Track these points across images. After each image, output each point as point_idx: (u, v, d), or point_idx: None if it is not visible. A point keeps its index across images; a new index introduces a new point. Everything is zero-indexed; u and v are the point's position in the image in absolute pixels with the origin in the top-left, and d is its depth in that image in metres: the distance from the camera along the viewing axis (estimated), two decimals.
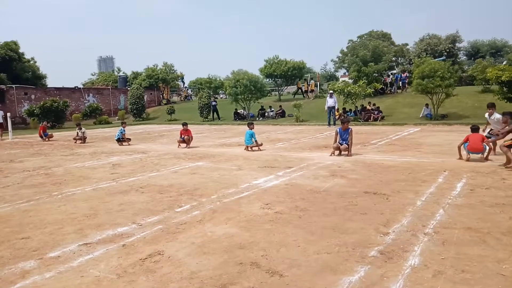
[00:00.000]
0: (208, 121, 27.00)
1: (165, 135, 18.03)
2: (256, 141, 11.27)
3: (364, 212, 4.96)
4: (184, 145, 12.60)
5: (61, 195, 6.50)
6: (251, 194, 6.15)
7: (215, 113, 27.74)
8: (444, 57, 36.43)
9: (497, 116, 9.01)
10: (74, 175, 8.35)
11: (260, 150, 11.21)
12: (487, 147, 8.39)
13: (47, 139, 17.13)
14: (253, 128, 11.47)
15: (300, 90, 32.43)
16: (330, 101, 19.86)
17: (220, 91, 41.24)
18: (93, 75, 55.02)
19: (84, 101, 33.17)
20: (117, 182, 7.37)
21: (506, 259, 3.41)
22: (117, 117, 32.41)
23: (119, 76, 45.11)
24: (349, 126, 10.03)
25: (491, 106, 9.29)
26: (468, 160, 8.26)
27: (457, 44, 46.20)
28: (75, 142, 15.52)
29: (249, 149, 11.21)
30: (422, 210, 4.93)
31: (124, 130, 14.26)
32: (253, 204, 5.53)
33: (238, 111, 26.78)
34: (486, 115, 9.40)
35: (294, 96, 32.15)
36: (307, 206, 5.33)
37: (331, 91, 20.78)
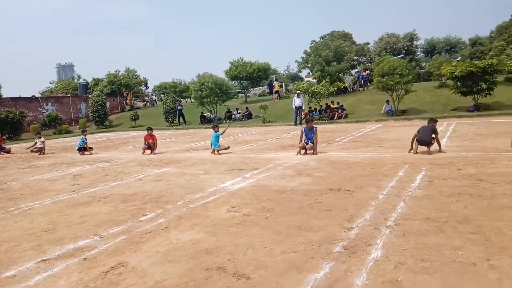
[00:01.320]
0: (174, 126, 26.60)
1: (129, 142, 17.59)
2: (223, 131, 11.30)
3: (329, 209, 5.04)
4: (149, 151, 12.33)
5: (18, 210, 6.18)
6: (218, 198, 6.10)
7: (181, 117, 27.39)
8: (403, 55, 37.80)
9: None
10: (32, 188, 7.97)
11: (228, 151, 11.16)
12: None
13: (2, 153, 16.24)
14: (218, 131, 11.40)
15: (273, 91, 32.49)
16: (297, 101, 20.10)
17: (184, 98, 40.73)
18: (51, 83, 52.83)
19: (43, 111, 31.77)
20: (78, 194, 7.10)
21: (462, 246, 3.57)
22: (78, 126, 31.31)
23: (79, 83, 43.57)
24: (314, 125, 10.19)
25: None
26: (416, 152, 8.59)
27: (414, 42, 48.11)
28: (32, 151, 14.82)
29: (216, 152, 11.13)
30: (384, 204, 5.08)
31: (85, 139, 13.78)
32: (220, 208, 5.49)
33: (204, 114, 26.58)
34: None
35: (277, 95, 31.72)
36: (273, 207, 5.35)
37: (298, 91, 21.04)
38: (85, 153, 13.57)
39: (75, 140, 17.16)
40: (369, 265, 3.33)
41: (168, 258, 3.82)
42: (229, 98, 27.22)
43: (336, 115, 21.14)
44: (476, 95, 18.45)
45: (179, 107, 27.60)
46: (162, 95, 43.22)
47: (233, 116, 26.31)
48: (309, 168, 8.04)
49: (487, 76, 17.96)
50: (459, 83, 18.90)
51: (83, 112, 35.11)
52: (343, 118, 20.69)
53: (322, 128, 16.72)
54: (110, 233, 4.71)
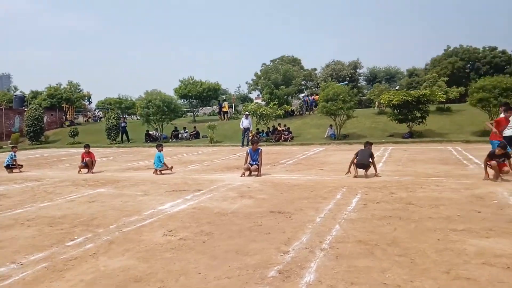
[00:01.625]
0: (116, 143, 25.56)
1: (65, 160, 16.56)
2: (164, 163, 10.92)
3: (267, 232, 5.02)
4: (85, 170, 11.66)
5: None
6: (155, 221, 5.87)
7: (124, 135, 26.44)
8: (347, 82, 39.90)
9: None
10: None
11: (171, 171, 10.88)
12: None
13: None
14: (162, 150, 11.12)
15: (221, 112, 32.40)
16: (245, 122, 20.30)
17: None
18: None
19: None
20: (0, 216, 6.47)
21: (389, 268, 3.70)
22: (9, 141, 29.00)
23: (15, 95, 40.71)
24: (259, 147, 10.29)
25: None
26: (355, 176, 8.93)
27: (358, 70, 51.04)
28: None
29: (158, 172, 10.80)
30: (321, 226, 5.17)
31: (14, 155, 12.76)
32: (156, 232, 5.27)
33: (150, 132, 25.89)
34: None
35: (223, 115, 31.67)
36: (212, 230, 5.24)
37: (246, 112, 21.29)
38: (14, 170, 12.54)
39: (4, 157, 15.83)
40: None
41: (93, 287, 3.56)
42: (177, 116, 26.86)
43: (282, 138, 21.58)
44: (410, 123, 19.80)
45: (123, 124, 26.68)
46: (100, 111, 41.62)
47: (180, 135, 25.90)
48: (252, 190, 8.04)
49: (420, 106, 19.41)
50: (396, 111, 20.20)
51: (16, 126, 32.67)
52: (289, 141, 21.16)
53: (269, 150, 16.95)
54: (30, 260, 4.30)
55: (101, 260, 4.24)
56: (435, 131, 19.97)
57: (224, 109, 31.50)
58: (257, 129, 23.11)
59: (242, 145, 19.93)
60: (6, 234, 5.37)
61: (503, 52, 46.13)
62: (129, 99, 41.60)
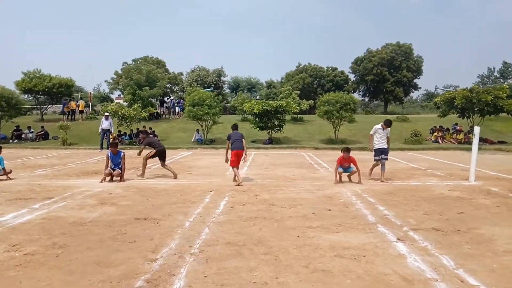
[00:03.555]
0: None
1: None
2: (4, 168, 9.27)
3: (133, 240, 4.72)
4: None
5: None
6: None
7: None
8: (212, 88, 40.83)
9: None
10: None
11: (10, 179, 9.29)
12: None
13: None
14: (1, 153, 9.40)
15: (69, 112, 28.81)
16: (105, 123, 18.80)
17: None
18: None
19: None
20: None
21: (257, 267, 3.89)
22: None
23: None
24: (121, 150, 9.64)
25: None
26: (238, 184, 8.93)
27: (222, 78, 52.77)
28: None
29: None
30: (190, 231, 5.12)
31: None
32: None
33: None
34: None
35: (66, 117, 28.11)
36: (67, 242, 4.66)
37: (106, 113, 19.71)
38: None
39: None
40: None
41: None
42: (19, 114, 23.16)
43: None
44: (270, 130, 21.41)
45: None
46: None
47: (23, 136, 22.38)
48: (114, 196, 7.46)
49: (278, 115, 21.17)
50: (257, 119, 21.56)
51: None
52: None
53: (132, 154, 16.01)
54: None
55: None
56: (291, 138, 22.06)
57: (80, 108, 28.58)
58: (119, 131, 21.68)
59: (101, 148, 18.39)
60: None
61: (342, 72, 54.14)
62: None
